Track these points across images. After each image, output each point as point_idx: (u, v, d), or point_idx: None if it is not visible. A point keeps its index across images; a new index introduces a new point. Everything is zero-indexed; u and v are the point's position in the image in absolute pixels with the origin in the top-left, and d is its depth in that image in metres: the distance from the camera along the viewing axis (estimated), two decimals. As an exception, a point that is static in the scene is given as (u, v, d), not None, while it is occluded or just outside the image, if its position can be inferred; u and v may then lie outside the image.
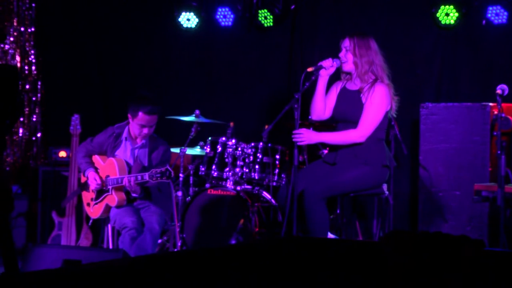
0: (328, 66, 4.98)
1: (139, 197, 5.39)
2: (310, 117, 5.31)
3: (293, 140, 4.88)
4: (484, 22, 6.50)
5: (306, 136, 4.91)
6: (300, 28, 7.19)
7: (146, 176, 5.08)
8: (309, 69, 4.94)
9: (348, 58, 4.99)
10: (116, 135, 5.47)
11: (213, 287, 3.04)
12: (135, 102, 5.33)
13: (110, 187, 5.35)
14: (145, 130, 5.35)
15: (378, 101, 4.90)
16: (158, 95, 6.89)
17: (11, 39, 7.41)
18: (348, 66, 5.01)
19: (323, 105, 5.09)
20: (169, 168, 5.02)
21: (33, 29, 7.56)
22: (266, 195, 6.13)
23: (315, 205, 4.79)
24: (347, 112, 5.00)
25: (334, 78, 5.16)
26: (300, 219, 4.87)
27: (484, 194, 5.21)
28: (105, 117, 7.50)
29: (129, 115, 5.39)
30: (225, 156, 6.15)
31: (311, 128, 6.15)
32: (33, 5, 7.56)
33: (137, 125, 5.33)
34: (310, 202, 4.79)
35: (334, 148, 5.07)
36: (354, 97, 4.98)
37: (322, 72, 4.99)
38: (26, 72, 7.54)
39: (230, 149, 6.14)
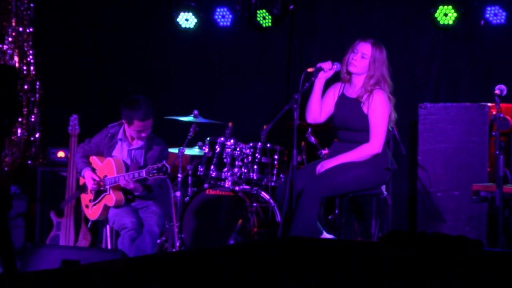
0: (327, 68, 4.89)
1: (141, 195, 5.37)
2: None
3: (317, 173, 4.88)
4: (482, 22, 6.50)
5: (323, 164, 4.88)
6: (299, 28, 7.18)
7: (143, 173, 5.07)
8: (309, 70, 4.88)
9: (361, 65, 4.88)
10: (110, 136, 5.45)
11: (212, 287, 3.04)
12: (128, 109, 5.27)
13: (107, 186, 5.34)
14: (143, 134, 5.35)
15: (381, 108, 4.84)
16: (156, 95, 6.89)
17: (10, 39, 7.40)
18: (356, 70, 4.90)
19: (319, 108, 5.01)
20: (165, 164, 5.00)
21: (31, 29, 7.56)
22: (264, 195, 6.13)
23: (309, 204, 4.72)
24: (349, 120, 4.92)
25: (332, 79, 5.13)
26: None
27: (482, 194, 5.21)
28: (104, 117, 7.49)
29: (124, 121, 5.36)
30: (224, 156, 6.15)
31: (309, 129, 6.17)
32: (31, 5, 7.56)
33: (135, 131, 5.32)
34: (306, 199, 4.72)
35: (335, 149, 5.03)
36: (354, 105, 4.90)
37: (320, 74, 4.90)
38: (25, 72, 7.53)
39: (229, 149, 6.14)
